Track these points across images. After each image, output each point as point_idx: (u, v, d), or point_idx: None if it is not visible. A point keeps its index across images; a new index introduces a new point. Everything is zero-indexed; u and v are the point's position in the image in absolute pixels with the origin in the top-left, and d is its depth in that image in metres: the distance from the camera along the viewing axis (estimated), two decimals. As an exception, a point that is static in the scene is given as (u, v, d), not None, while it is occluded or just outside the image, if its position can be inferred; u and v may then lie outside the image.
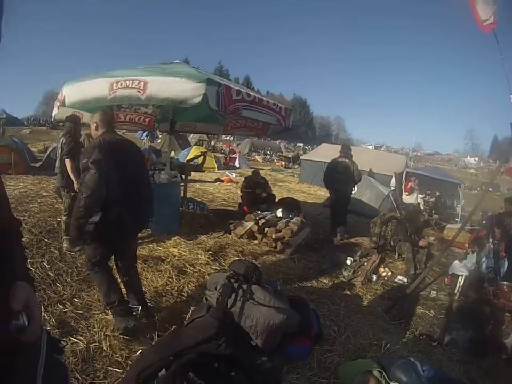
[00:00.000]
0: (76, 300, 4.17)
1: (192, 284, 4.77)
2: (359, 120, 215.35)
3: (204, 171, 17.81)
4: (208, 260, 5.59)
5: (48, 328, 3.54)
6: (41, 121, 51.84)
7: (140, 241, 6.16)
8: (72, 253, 5.49)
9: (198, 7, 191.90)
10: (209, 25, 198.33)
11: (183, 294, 4.47)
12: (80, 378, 2.92)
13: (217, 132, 9.72)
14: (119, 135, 3.74)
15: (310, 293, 4.88)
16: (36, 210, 7.48)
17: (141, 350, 3.29)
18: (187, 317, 3.53)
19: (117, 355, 3.26)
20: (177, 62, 6.55)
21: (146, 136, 33.93)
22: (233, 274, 3.54)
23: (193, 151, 20.42)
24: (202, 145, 30.18)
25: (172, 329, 3.62)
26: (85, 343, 3.37)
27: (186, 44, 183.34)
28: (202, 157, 19.75)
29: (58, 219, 6.87)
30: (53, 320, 3.68)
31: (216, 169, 20.29)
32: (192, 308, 3.84)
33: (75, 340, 3.40)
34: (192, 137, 31.52)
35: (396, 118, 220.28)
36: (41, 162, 14.68)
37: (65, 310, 3.91)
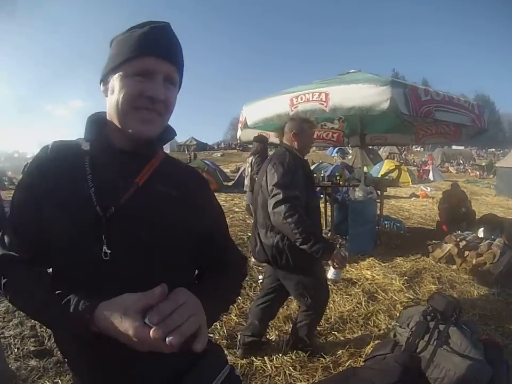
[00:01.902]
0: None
1: (381, 312, 4.23)
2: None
3: (400, 186, 16.97)
4: (403, 286, 4.97)
5: (217, 337, 3.66)
6: (231, 144, 57.41)
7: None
8: (259, 268, 5.58)
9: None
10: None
11: (369, 323, 3.99)
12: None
13: (408, 142, 8.91)
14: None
15: (504, 336, 3.87)
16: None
17: (308, 381, 3.02)
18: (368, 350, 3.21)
19: (280, 378, 3.05)
20: (353, 71, 6.08)
21: (336, 152, 34.29)
22: (431, 310, 2.93)
23: (386, 165, 19.66)
24: (393, 159, 29.09)
25: (348, 365, 3.20)
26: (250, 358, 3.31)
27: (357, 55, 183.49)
28: (397, 170, 18.96)
29: (248, 234, 7.17)
30: (224, 330, 3.76)
31: (410, 183, 19.19)
32: (376, 342, 3.42)
33: (240, 353, 3.40)
34: (382, 151, 30.73)
35: None
36: (233, 181, 16.03)
37: (240, 323, 3.93)
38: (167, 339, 0.79)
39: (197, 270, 1.23)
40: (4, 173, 22.40)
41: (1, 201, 2.53)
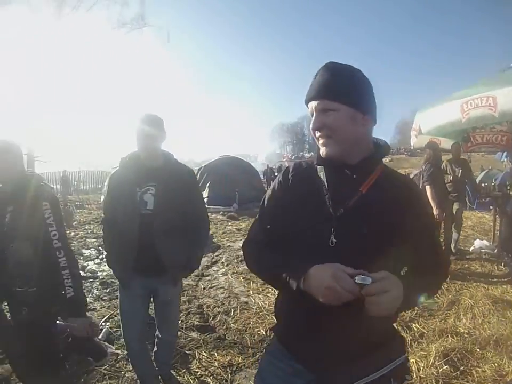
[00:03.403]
0: (412, 324, 4.20)
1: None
2: None
3: None
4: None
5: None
6: (400, 149, 55.56)
7: (495, 279, 5.67)
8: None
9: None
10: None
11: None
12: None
13: None
14: None
15: None
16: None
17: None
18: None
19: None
20: (512, 66, 5.56)
21: (506, 157, 30.80)
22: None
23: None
24: None
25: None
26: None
27: None
28: None
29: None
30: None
31: None
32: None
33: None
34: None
35: None
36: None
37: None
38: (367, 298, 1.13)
39: (406, 268, 1.45)
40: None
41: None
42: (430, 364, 3.35)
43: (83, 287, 2.56)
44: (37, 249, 2.27)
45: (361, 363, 1.31)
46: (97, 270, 6.48)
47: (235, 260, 7.13)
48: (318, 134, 1.36)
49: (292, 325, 1.45)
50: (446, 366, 3.32)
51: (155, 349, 3.07)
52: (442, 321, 4.21)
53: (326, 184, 1.38)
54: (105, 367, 3.38)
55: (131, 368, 3.31)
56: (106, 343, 3.68)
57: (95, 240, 9.28)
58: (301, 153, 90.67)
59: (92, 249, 8.26)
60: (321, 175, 1.41)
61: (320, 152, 1.38)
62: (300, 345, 1.40)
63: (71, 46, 19.09)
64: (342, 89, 1.32)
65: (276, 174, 32.98)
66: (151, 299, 2.90)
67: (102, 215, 2.98)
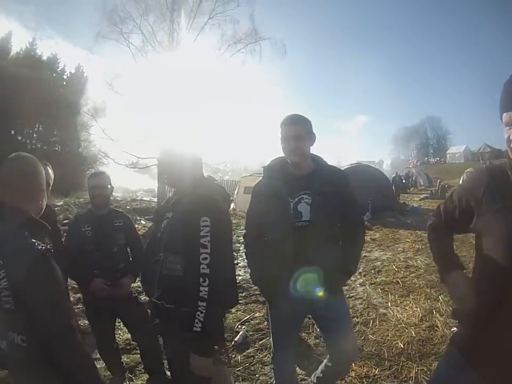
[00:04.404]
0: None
1: None
2: None
3: None
4: None
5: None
6: None
7: None
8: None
9: None
10: None
11: None
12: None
13: None
14: None
15: None
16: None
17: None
18: None
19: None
20: None
21: None
22: None
23: None
24: None
25: None
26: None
27: None
28: None
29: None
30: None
31: None
32: None
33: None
34: None
35: None
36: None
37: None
38: None
39: None
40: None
41: None
42: None
43: (219, 327, 2.15)
44: (185, 268, 2.00)
45: None
46: (232, 274, 6.60)
47: (372, 271, 6.98)
48: None
49: (478, 336, 1.47)
50: None
51: (318, 373, 2.65)
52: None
53: None
54: (239, 368, 3.47)
55: (266, 372, 3.39)
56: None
57: (228, 245, 9.49)
58: (426, 158, 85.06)
59: (225, 255, 8.31)
60: None
61: None
62: (483, 357, 1.41)
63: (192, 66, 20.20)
64: None
65: (404, 181, 30.76)
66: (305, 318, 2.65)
67: (244, 230, 2.79)
